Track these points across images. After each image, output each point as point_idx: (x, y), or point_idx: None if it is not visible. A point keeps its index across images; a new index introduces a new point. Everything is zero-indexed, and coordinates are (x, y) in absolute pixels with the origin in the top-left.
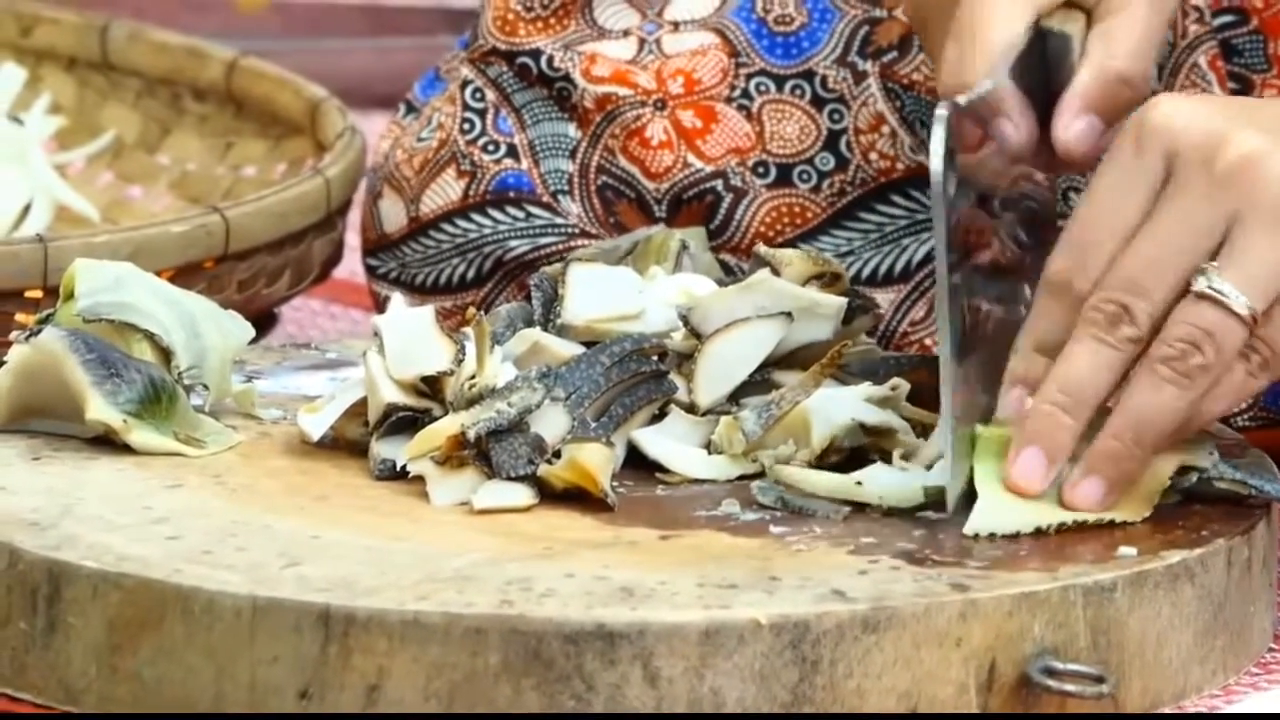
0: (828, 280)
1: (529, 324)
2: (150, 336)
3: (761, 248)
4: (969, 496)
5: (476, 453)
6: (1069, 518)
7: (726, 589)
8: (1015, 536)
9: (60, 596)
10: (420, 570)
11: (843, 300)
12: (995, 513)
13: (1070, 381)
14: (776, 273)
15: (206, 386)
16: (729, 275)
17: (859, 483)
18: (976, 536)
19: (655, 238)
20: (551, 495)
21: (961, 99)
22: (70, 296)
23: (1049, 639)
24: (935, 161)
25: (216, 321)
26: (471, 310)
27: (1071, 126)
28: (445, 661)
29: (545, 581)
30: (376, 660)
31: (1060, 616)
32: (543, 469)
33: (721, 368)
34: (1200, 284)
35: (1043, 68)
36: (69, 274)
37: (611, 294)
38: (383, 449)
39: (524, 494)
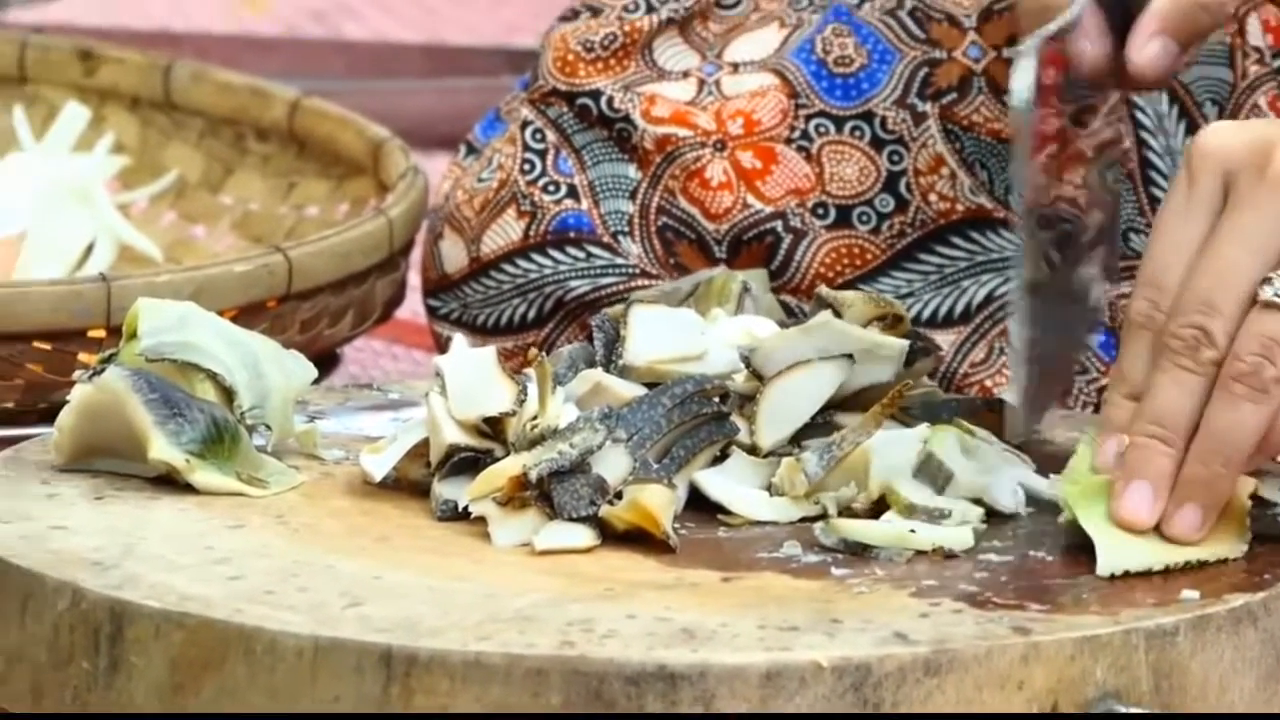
0: (889, 322)
1: (591, 365)
2: (213, 376)
3: (823, 289)
4: (1081, 543)
5: (538, 494)
6: (1185, 556)
7: (788, 631)
8: (1090, 575)
9: (122, 636)
10: (482, 611)
11: (904, 342)
12: (1121, 551)
13: (1160, 412)
14: (838, 314)
15: (269, 426)
16: (790, 317)
17: (913, 530)
18: (1113, 577)
19: (717, 279)
20: (613, 536)
21: (1051, 26)
22: (133, 336)
23: (1111, 682)
24: (1019, 96)
25: (279, 362)
26: (534, 351)
27: (1146, 48)
28: (507, 702)
29: (607, 622)
30: (439, 700)
31: (1122, 660)
32: (604, 510)
33: (783, 409)
34: (1266, 293)
35: None
36: (132, 313)
37: (673, 335)
38: (445, 490)
39: (585, 535)
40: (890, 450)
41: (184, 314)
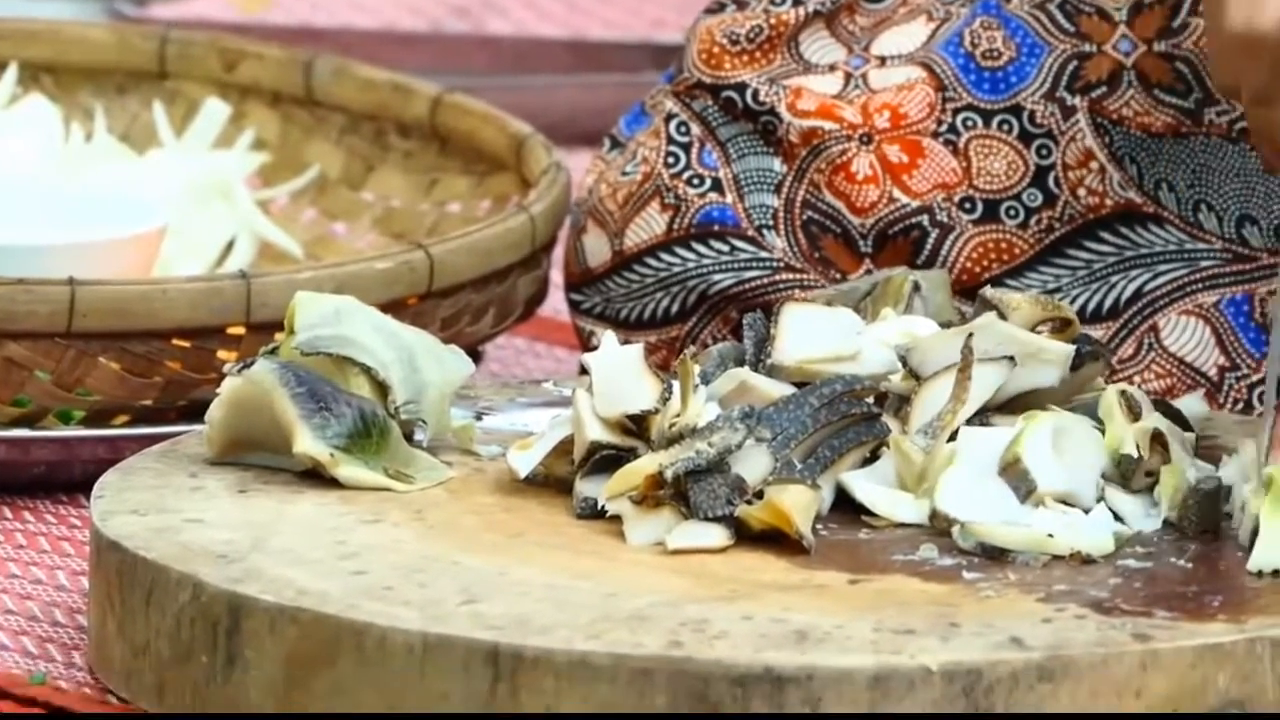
0: (1057, 326)
1: (741, 363)
2: (367, 370)
3: (988, 290)
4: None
5: (674, 493)
6: None
7: (903, 634)
8: (1214, 589)
9: (239, 630)
10: (597, 610)
11: (1069, 347)
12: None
13: None
14: (1003, 316)
15: (425, 421)
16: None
17: (1050, 535)
18: (1260, 574)
19: (894, 279)
20: (750, 536)
21: None
22: (293, 330)
23: (1234, 692)
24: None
25: (436, 356)
26: (692, 349)
27: None
28: (613, 702)
29: (720, 623)
30: (544, 700)
31: (1246, 669)
32: (740, 510)
33: (939, 411)
34: None
35: None
36: (291, 307)
37: (826, 334)
38: (586, 487)
39: (719, 535)
40: (977, 445)
41: (341, 307)
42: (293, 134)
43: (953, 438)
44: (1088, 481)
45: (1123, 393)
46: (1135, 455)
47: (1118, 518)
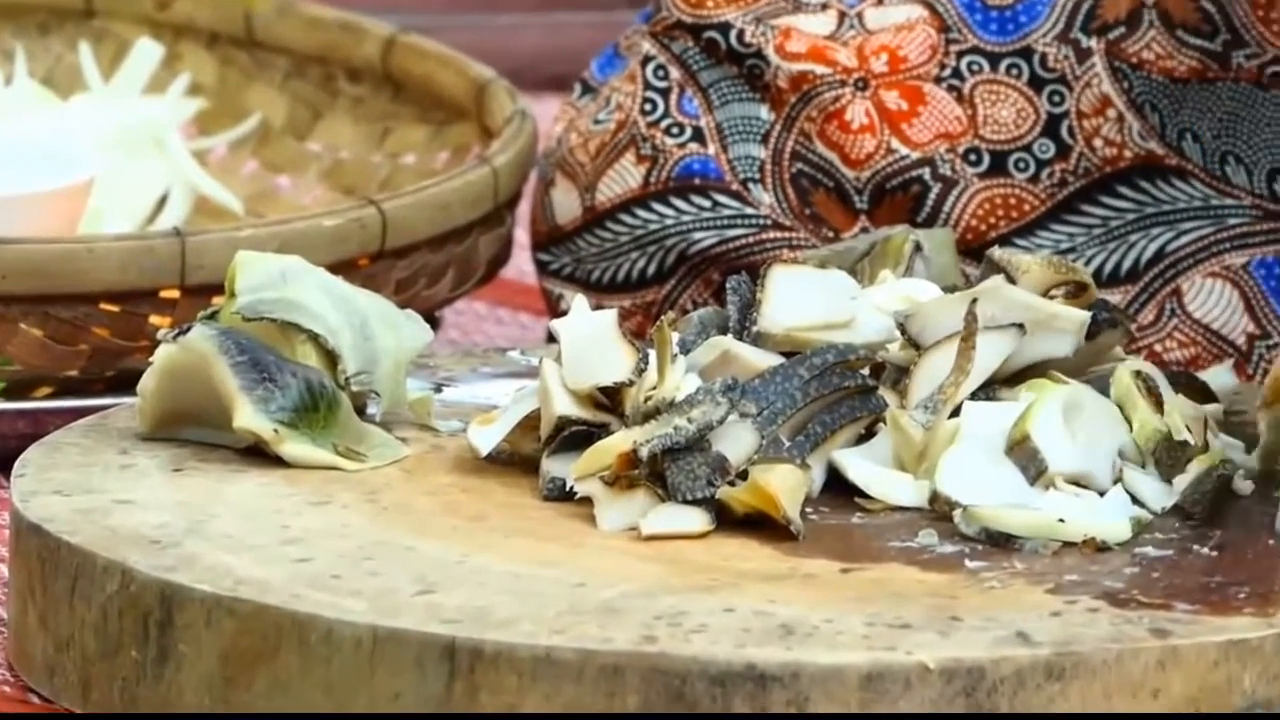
0: (1072, 290)
1: (724, 331)
2: (314, 338)
3: (996, 251)
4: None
5: (650, 472)
6: None
7: (898, 629)
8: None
9: (172, 622)
10: (564, 601)
11: (1084, 314)
12: None
13: None
14: (1012, 280)
15: (378, 394)
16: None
17: (1061, 520)
18: None
19: (895, 238)
20: (733, 521)
21: None
22: (234, 293)
23: (1261, 692)
24: None
25: (390, 322)
26: (671, 315)
27: None
28: (579, 702)
29: (699, 616)
30: (505, 699)
31: (1275, 668)
32: (722, 491)
33: (940, 383)
34: None
35: None
36: (231, 267)
37: (817, 299)
38: (553, 466)
39: (698, 519)
40: (982, 422)
41: (287, 268)
42: (232, 78)
43: (956, 413)
44: (1104, 461)
45: (1137, 373)
46: (1189, 441)
47: (1136, 501)
